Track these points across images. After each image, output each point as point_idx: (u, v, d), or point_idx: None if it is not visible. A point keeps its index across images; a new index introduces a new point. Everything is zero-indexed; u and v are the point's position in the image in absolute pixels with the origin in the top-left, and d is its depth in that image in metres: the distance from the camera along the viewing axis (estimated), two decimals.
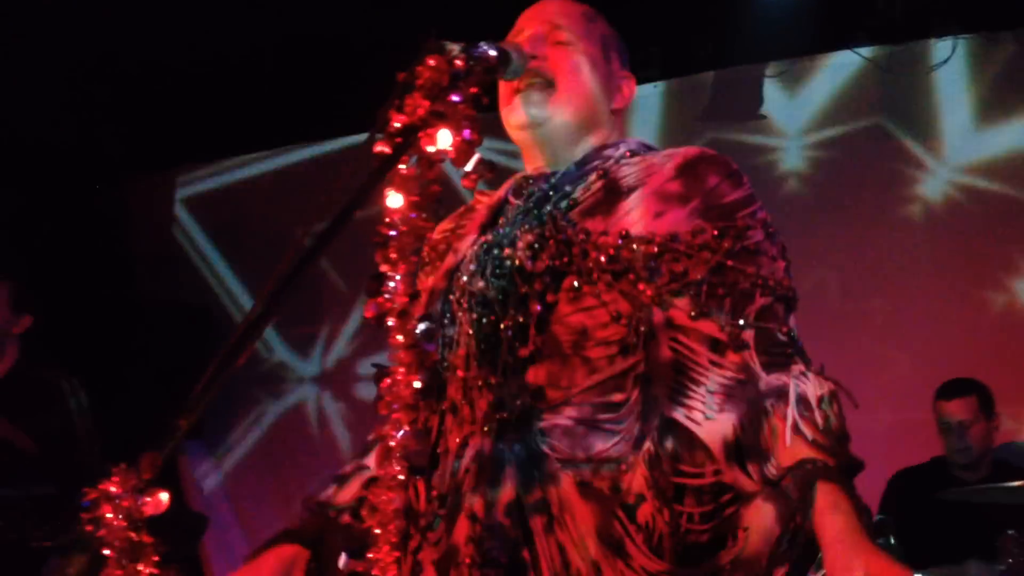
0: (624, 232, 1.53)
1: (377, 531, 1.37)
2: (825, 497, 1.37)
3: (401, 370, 1.40)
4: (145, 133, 4.78)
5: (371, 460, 1.66)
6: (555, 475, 1.49)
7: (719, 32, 4.38)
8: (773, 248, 1.56)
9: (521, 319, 1.53)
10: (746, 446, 1.46)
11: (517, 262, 1.55)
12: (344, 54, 4.12)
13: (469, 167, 1.58)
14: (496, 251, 1.60)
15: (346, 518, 1.64)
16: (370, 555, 1.38)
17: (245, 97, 4.49)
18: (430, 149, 1.43)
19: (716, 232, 1.53)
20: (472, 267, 1.61)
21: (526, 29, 1.69)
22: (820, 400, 1.44)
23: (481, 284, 1.58)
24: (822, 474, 1.38)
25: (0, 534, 2.91)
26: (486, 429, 1.53)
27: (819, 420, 1.42)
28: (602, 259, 1.51)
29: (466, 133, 1.45)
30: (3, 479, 2.99)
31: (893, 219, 4.42)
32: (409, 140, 1.41)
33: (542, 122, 1.64)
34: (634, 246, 1.52)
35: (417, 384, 1.39)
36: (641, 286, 1.50)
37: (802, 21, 4.15)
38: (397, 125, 1.42)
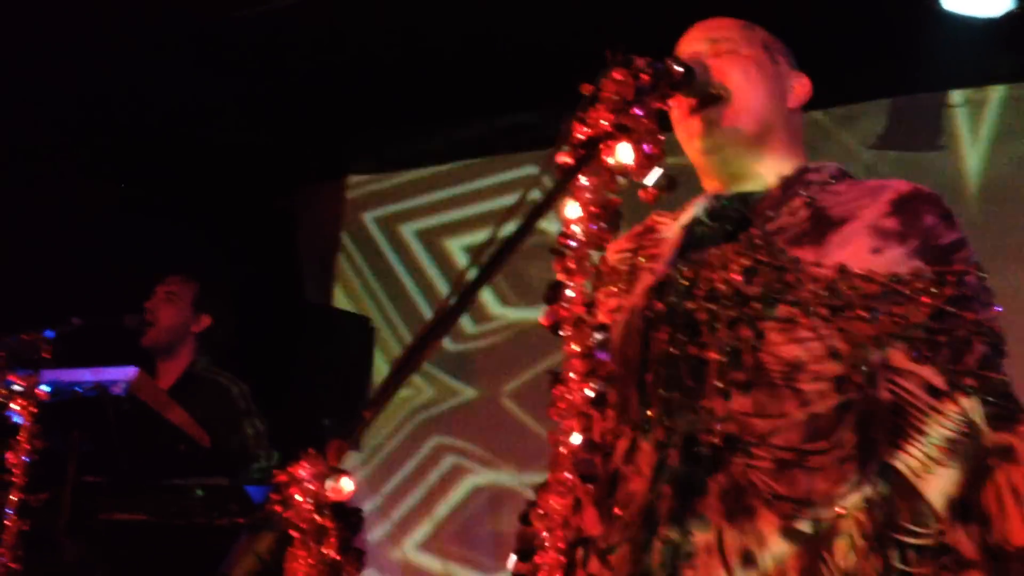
0: (842, 267, 1.50)
1: (545, 535, 1.39)
2: None
3: (574, 378, 1.41)
4: (322, 141, 4.93)
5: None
6: (756, 510, 1.45)
7: (897, 55, 4.25)
8: (985, 294, 1.52)
9: (732, 343, 1.50)
10: (968, 507, 1.40)
11: (732, 285, 1.52)
12: (526, 69, 4.17)
13: (650, 181, 1.59)
14: (705, 271, 1.57)
15: None
16: (536, 559, 1.39)
17: (426, 108, 4.58)
18: (611, 162, 1.45)
19: (936, 277, 1.49)
20: (678, 287, 1.58)
21: (686, 50, 1.69)
22: None
23: (691, 305, 1.55)
24: None
25: (179, 518, 3.05)
26: (688, 454, 1.50)
27: None
28: (821, 291, 1.48)
29: (647, 147, 1.46)
30: (181, 468, 3.13)
31: None
32: (591, 152, 1.43)
33: (723, 142, 1.63)
34: (854, 282, 1.48)
35: (590, 393, 1.40)
36: (862, 324, 1.46)
37: (990, 45, 3.97)
38: (580, 137, 1.45)
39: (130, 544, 3.08)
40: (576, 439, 1.38)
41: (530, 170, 4.84)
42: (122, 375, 2.95)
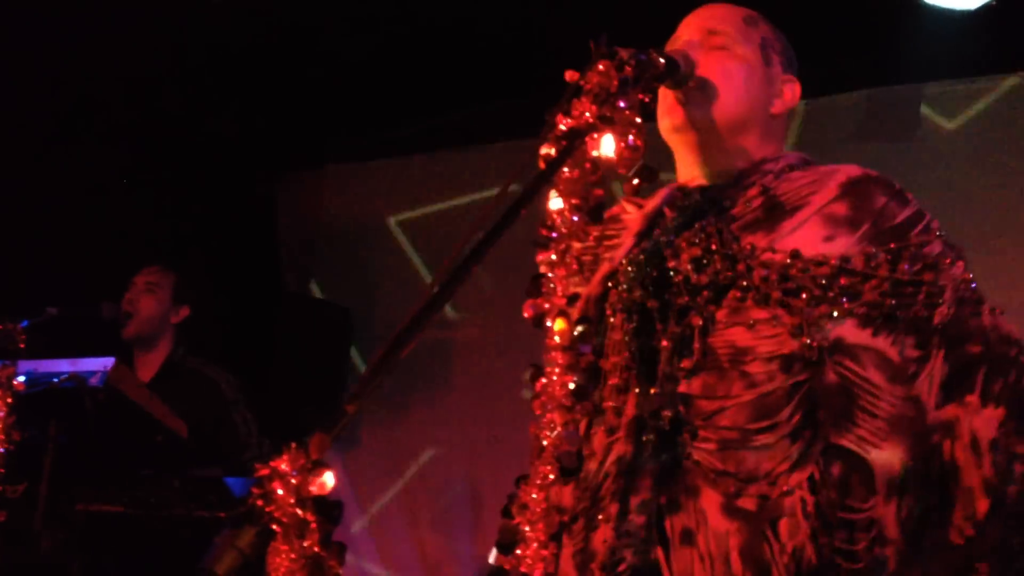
0: (795, 251, 1.51)
1: (526, 528, 1.39)
2: None
3: (556, 371, 1.41)
4: (301, 128, 4.91)
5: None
6: (699, 488, 1.48)
7: (874, 48, 4.27)
8: (952, 253, 1.53)
9: (682, 331, 1.53)
10: (906, 485, 1.42)
11: (682, 274, 1.55)
12: (508, 57, 4.16)
13: (632, 173, 1.59)
14: (657, 261, 1.59)
15: None
16: (518, 551, 1.39)
17: (402, 97, 4.57)
18: (594, 154, 1.45)
19: (891, 256, 1.50)
20: (631, 276, 1.61)
21: (683, 36, 1.68)
22: (992, 444, 1.40)
23: (640, 293, 1.58)
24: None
25: (157, 509, 3.04)
26: (634, 437, 1.53)
27: (987, 471, 1.39)
28: (772, 276, 1.50)
29: (631, 139, 1.46)
30: (173, 460, 3.12)
31: None
32: (574, 144, 1.43)
33: (695, 125, 1.63)
34: (806, 266, 1.50)
35: (571, 385, 1.40)
36: (813, 305, 1.48)
37: (967, 38, 3.99)
38: (563, 128, 1.44)
39: (108, 535, 3.06)
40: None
41: (513, 159, 4.82)
42: (99, 365, 2.94)
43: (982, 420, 1.43)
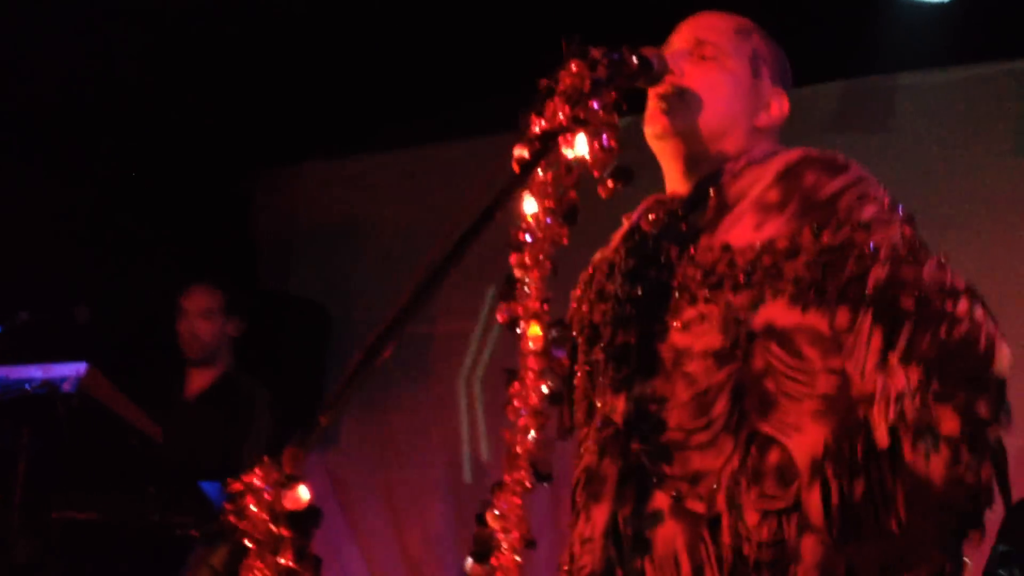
0: (725, 245, 1.51)
1: (501, 536, 1.38)
2: None
3: (531, 375, 1.40)
4: (278, 126, 4.87)
5: None
6: (650, 492, 1.48)
7: (849, 39, 4.28)
8: (894, 215, 1.48)
9: (623, 340, 1.55)
10: (834, 469, 1.38)
11: (622, 288, 1.59)
12: (474, 53, 4.14)
13: (606, 175, 1.58)
14: (600, 276, 1.65)
15: None
16: (493, 561, 1.38)
17: (380, 94, 4.54)
18: (568, 155, 1.43)
19: (814, 227, 1.46)
20: (590, 291, 1.67)
21: (674, 43, 1.67)
22: (908, 415, 1.34)
23: (586, 308, 1.64)
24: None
25: (132, 516, 3.02)
26: (597, 446, 1.56)
27: (906, 449, 1.34)
28: (698, 275, 1.50)
29: (604, 140, 1.44)
30: (135, 466, 3.10)
31: None
32: (548, 146, 1.41)
33: (676, 134, 1.61)
34: (733, 258, 1.49)
35: (545, 390, 1.39)
36: (737, 294, 1.47)
37: (940, 29, 4.01)
38: (536, 130, 1.43)
39: (83, 543, 3.04)
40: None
41: (492, 155, 4.81)
42: (72, 371, 2.91)
43: (898, 384, 1.35)
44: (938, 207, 4.45)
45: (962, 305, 1.40)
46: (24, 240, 4.17)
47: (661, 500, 1.47)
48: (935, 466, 1.34)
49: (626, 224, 1.71)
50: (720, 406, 1.46)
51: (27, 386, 2.90)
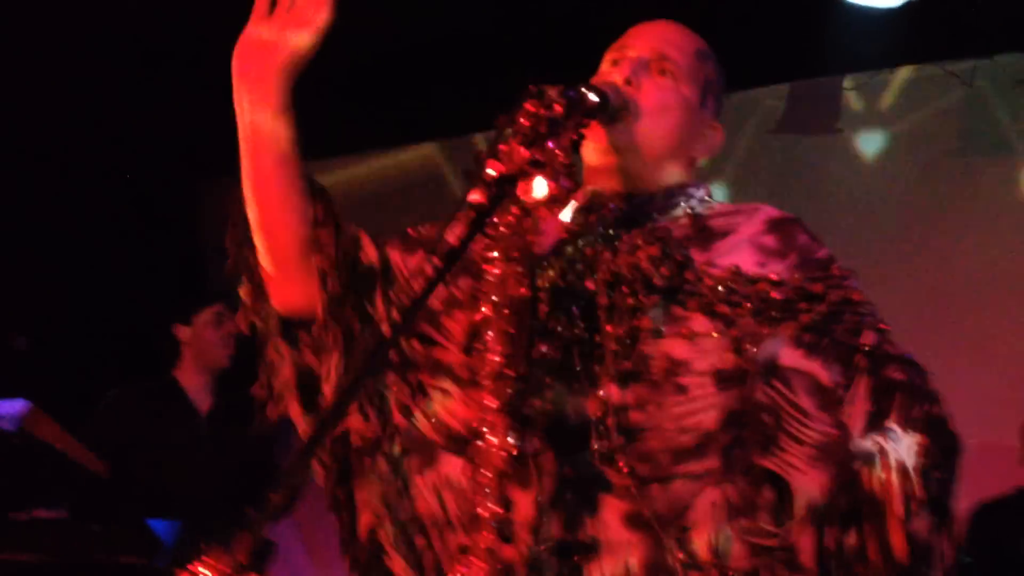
0: (736, 267, 1.47)
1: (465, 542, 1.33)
2: None
3: (493, 435, 1.35)
4: (226, 133, 4.77)
5: None
6: (602, 500, 1.42)
7: (796, 41, 4.29)
8: (862, 296, 1.51)
9: (624, 332, 1.45)
10: (824, 514, 1.37)
11: (640, 271, 1.47)
12: (414, 61, 4.08)
13: (567, 216, 1.53)
14: (591, 254, 1.51)
15: None
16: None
17: (330, 99, 4.48)
18: (526, 198, 1.38)
19: (820, 284, 1.48)
20: (560, 271, 1.51)
21: (631, 48, 1.59)
22: (918, 471, 1.36)
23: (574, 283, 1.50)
24: None
25: (76, 556, 2.93)
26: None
27: (919, 493, 1.34)
28: (720, 288, 1.45)
29: (563, 181, 1.39)
30: (78, 504, 3.01)
31: (980, 236, 4.29)
32: (504, 192, 1.35)
33: (616, 149, 1.54)
34: (748, 281, 1.46)
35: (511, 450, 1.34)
36: (755, 322, 1.44)
37: (885, 31, 4.04)
38: (492, 173, 1.37)
39: None
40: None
41: (450, 158, 4.83)
42: (11, 409, 2.80)
43: (905, 447, 1.38)
44: (883, 207, 4.49)
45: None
46: None
47: (616, 507, 1.41)
48: (922, 524, 1.36)
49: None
50: (713, 428, 1.43)
51: None
